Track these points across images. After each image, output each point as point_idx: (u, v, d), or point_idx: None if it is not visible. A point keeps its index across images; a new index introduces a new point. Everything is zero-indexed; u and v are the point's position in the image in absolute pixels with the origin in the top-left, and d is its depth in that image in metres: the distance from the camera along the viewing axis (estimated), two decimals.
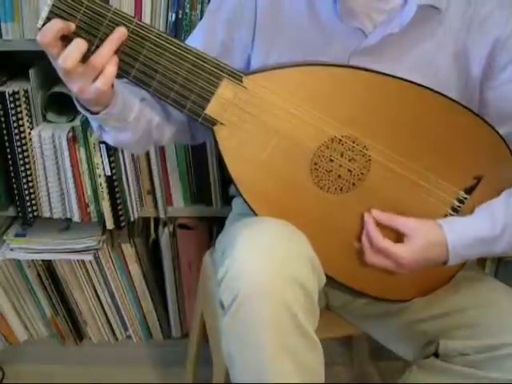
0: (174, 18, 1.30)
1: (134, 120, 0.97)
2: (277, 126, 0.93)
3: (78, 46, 0.82)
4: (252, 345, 0.82)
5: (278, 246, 0.85)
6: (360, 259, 1.00)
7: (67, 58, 0.82)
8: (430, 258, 0.97)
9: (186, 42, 0.98)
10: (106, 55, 0.84)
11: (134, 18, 0.86)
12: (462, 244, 0.96)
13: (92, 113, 0.92)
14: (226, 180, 1.44)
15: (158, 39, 0.87)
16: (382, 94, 0.93)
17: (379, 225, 0.97)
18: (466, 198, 1.00)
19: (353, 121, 0.93)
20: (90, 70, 0.83)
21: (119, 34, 0.85)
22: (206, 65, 0.89)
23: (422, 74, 0.95)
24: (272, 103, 0.92)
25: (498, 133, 0.97)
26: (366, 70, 0.93)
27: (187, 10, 1.30)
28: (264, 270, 0.81)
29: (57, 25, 0.81)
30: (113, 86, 0.89)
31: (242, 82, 0.91)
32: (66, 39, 0.83)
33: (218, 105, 0.91)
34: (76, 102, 0.93)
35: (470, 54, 0.96)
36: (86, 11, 0.83)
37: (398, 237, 0.98)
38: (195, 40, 1.03)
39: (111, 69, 0.84)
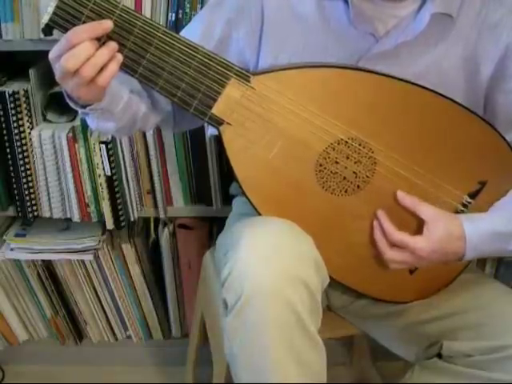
0: (174, 18, 1.30)
1: (120, 112, 0.96)
2: (283, 126, 0.92)
3: (86, 49, 0.80)
4: (255, 344, 0.82)
5: (282, 245, 0.85)
6: (371, 260, 0.99)
7: (70, 58, 0.80)
8: (447, 251, 0.95)
9: (181, 33, 0.96)
10: (97, 66, 0.81)
11: (141, 15, 0.85)
12: (480, 238, 0.95)
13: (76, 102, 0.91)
14: (227, 179, 1.44)
15: (165, 37, 0.86)
16: (388, 96, 0.93)
17: (394, 220, 0.96)
18: (470, 203, 0.99)
19: (359, 123, 0.93)
20: (80, 79, 0.82)
21: (113, 46, 0.83)
22: (213, 64, 0.88)
23: (430, 77, 0.95)
24: (279, 104, 0.91)
25: (503, 138, 0.97)
26: (374, 72, 0.93)
27: (187, 10, 1.30)
28: (268, 269, 0.81)
29: (95, 30, 0.80)
30: None
31: (249, 82, 0.90)
32: None
33: (225, 104, 0.90)
34: (64, 91, 0.91)
35: (479, 58, 0.96)
36: (94, 7, 0.82)
37: (416, 230, 0.96)
38: (192, 33, 1.00)
39: (106, 77, 0.82)
